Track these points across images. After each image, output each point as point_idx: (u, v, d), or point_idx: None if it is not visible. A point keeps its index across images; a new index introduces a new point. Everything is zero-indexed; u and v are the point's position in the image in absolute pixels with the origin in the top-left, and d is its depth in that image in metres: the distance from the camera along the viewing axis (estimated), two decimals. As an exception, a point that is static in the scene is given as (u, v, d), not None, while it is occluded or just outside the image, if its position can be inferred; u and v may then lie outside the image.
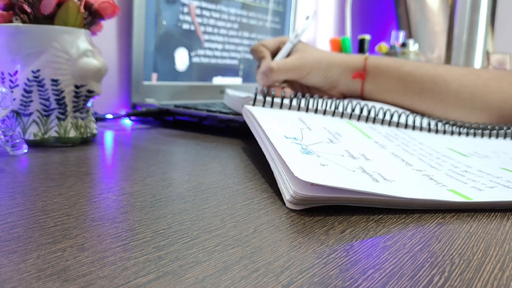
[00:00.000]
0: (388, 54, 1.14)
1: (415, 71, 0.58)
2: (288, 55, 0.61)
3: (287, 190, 0.27)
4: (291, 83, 0.62)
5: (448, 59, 1.02)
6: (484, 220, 0.26)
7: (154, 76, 0.68)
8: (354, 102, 0.51)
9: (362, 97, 0.62)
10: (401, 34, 1.23)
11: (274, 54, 0.63)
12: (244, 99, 0.46)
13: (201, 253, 0.20)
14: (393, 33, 1.25)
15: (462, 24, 0.99)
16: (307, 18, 0.64)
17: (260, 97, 0.45)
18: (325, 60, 0.60)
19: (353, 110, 0.47)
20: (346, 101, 0.49)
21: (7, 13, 0.42)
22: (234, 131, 0.53)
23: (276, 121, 0.38)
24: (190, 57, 0.72)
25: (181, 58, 0.71)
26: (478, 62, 1.00)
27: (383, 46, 1.17)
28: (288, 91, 0.59)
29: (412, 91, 0.58)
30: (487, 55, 1.14)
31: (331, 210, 0.26)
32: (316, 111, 0.46)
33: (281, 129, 0.35)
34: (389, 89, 0.59)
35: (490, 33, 1.38)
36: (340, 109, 0.47)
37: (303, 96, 0.54)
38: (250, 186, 0.31)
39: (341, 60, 0.61)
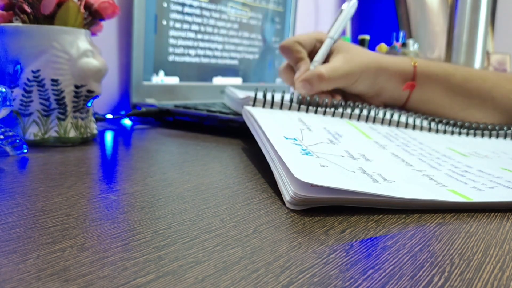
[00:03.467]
0: (388, 54, 1.14)
1: (464, 85, 0.55)
2: (328, 55, 0.54)
3: (287, 191, 0.27)
4: (331, 90, 0.54)
5: (448, 59, 1.02)
6: (484, 220, 0.26)
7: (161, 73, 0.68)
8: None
9: (405, 108, 0.57)
10: (401, 34, 1.23)
11: (310, 54, 0.55)
12: (244, 100, 0.46)
13: (201, 253, 0.20)
14: (393, 33, 1.25)
15: (462, 24, 0.99)
16: (342, 10, 0.56)
17: (260, 97, 0.45)
18: (374, 64, 0.53)
19: (353, 110, 0.47)
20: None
21: (7, 13, 0.42)
22: (234, 131, 0.53)
23: (276, 122, 0.38)
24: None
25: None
26: (478, 62, 1.00)
27: (383, 46, 1.17)
28: (339, 98, 0.52)
29: (458, 107, 0.55)
30: (487, 55, 1.14)
31: (331, 210, 0.26)
32: (316, 111, 0.46)
33: (281, 130, 0.35)
34: (436, 101, 0.56)
35: (490, 33, 1.38)
36: (340, 109, 0.47)
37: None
38: (250, 186, 0.31)
39: (389, 64, 0.54)
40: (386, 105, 0.57)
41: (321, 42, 0.54)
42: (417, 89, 0.55)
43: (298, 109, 0.45)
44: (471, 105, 0.55)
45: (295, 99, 0.46)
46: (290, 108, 0.45)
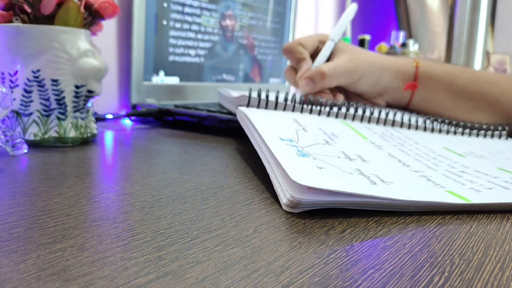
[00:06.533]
0: (388, 54, 1.14)
1: (469, 87, 0.54)
2: (330, 55, 0.54)
3: (284, 194, 0.26)
4: (333, 90, 0.55)
5: (448, 59, 1.02)
6: (484, 221, 0.26)
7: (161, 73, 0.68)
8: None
9: (408, 109, 0.57)
10: (401, 34, 1.23)
11: (312, 55, 0.55)
12: (238, 99, 0.46)
13: (201, 253, 0.20)
14: (393, 33, 1.25)
15: (462, 24, 0.99)
16: (347, 12, 0.57)
17: (254, 96, 0.44)
18: (377, 63, 0.54)
19: (347, 109, 0.46)
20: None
21: (7, 13, 0.42)
22: (235, 131, 0.53)
23: (271, 123, 0.37)
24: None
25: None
26: (478, 62, 1.00)
27: (383, 46, 1.17)
28: (341, 97, 0.53)
29: (463, 109, 0.55)
30: (487, 55, 1.14)
31: (331, 210, 0.26)
32: (311, 111, 0.45)
33: (276, 131, 0.35)
34: (440, 103, 0.55)
35: (490, 33, 1.38)
36: (335, 109, 0.46)
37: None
38: (250, 186, 0.31)
39: (391, 64, 0.54)
40: (389, 106, 0.57)
41: (323, 43, 0.55)
42: (420, 90, 0.55)
43: (293, 109, 0.45)
44: (477, 108, 0.55)
45: (297, 99, 0.46)
46: (284, 108, 0.45)
